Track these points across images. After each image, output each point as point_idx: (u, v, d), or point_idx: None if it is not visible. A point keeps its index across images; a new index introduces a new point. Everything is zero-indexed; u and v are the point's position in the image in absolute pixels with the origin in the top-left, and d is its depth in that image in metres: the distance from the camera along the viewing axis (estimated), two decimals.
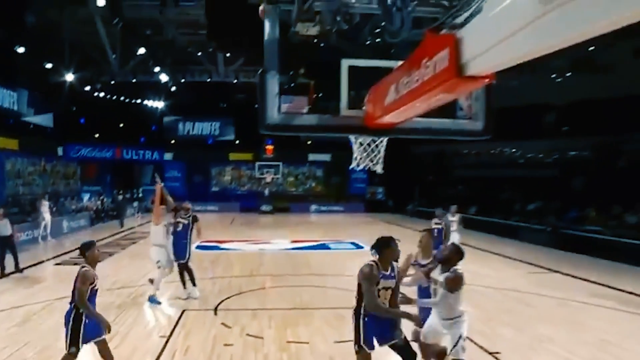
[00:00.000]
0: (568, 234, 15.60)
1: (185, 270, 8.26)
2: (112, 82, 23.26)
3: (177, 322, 6.91)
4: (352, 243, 16.35)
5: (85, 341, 4.36)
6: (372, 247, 4.02)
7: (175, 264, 8.20)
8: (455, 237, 10.56)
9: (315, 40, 4.59)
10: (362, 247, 15.29)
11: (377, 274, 3.87)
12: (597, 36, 1.97)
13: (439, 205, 11.14)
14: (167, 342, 6.12)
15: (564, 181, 22.14)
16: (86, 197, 25.97)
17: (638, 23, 1.82)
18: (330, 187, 34.22)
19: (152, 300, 7.94)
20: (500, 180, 25.12)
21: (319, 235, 18.64)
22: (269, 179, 32.85)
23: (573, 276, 10.78)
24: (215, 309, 7.73)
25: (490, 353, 5.86)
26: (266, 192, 32.03)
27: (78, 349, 4.35)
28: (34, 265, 11.47)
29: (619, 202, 15.91)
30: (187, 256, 8.22)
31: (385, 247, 3.98)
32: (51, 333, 6.36)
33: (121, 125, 30.95)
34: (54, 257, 12.60)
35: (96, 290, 4.44)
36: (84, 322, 4.33)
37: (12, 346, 5.87)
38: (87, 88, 23.33)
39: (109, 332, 4.51)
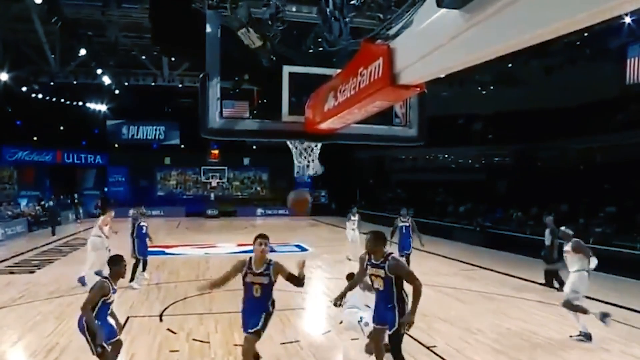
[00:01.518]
0: (494, 233, 16.49)
1: (143, 264, 9.72)
2: (52, 83, 21.72)
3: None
4: (297, 246, 16.31)
5: (105, 341, 4.38)
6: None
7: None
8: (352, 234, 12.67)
9: (260, 47, 4.52)
10: (306, 250, 15.28)
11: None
12: (513, 53, 2.08)
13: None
14: None
15: (490, 185, 23.46)
16: (24, 202, 24.05)
17: (548, 44, 1.96)
18: (276, 190, 34.03)
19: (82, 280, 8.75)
20: (435, 184, 26.15)
21: None
22: (214, 184, 32.13)
23: (498, 272, 11.37)
24: (161, 315, 7.41)
25: (427, 347, 6.02)
26: (212, 196, 31.29)
27: (104, 347, 4.36)
28: None
29: (536, 203, 17.03)
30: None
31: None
32: None
33: (61, 128, 28.98)
34: None
35: (110, 302, 4.47)
36: (96, 324, 4.35)
37: None
38: (24, 89, 21.63)
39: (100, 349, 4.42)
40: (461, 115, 27.44)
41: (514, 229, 16.15)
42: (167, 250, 14.61)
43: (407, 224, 10.49)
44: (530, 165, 23.94)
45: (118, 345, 4.70)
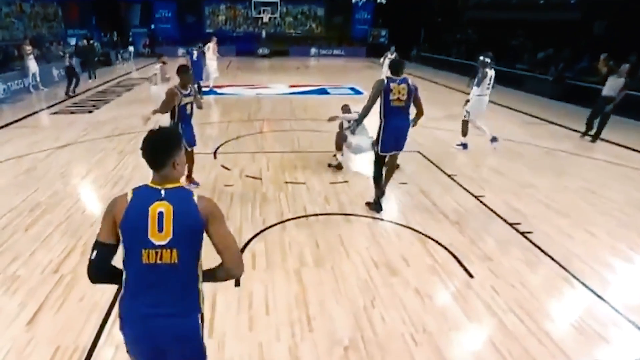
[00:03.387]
0: (573, 84, 15.35)
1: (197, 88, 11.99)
2: None
3: None
4: (351, 88, 16.27)
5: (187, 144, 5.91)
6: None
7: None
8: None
9: None
10: (361, 93, 15.25)
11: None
12: None
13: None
14: None
15: (585, 26, 20.79)
16: (72, 41, 24.57)
17: None
18: (332, 28, 32.53)
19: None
20: (514, 23, 23.65)
21: (317, 80, 18.42)
22: (266, 19, 31.06)
23: (567, 127, 10.98)
24: (215, 153, 8.07)
25: (475, 196, 6.32)
26: (263, 34, 30.58)
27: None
28: (31, 115, 11.40)
29: (637, 50, 15.16)
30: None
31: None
32: (58, 178, 6.77)
33: None
34: (48, 107, 12.45)
35: (184, 105, 5.77)
36: (181, 129, 5.73)
37: (23, 193, 6.16)
38: None
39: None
40: None
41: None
42: (218, 90, 15.13)
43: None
44: None
45: (191, 155, 6.12)
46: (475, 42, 24.50)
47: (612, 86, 9.28)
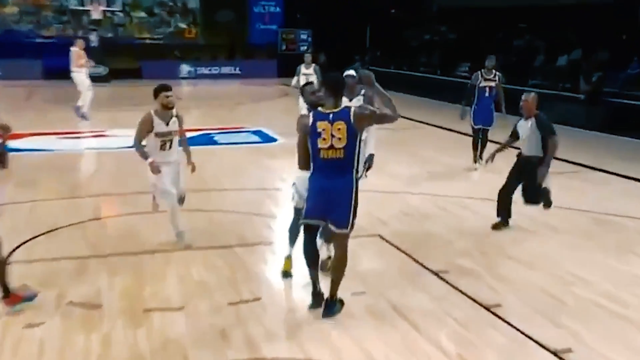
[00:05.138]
0: (622, 104, 16.50)
1: None
2: None
3: None
4: (257, 132, 16.51)
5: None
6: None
7: None
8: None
9: None
10: (274, 140, 15.48)
11: None
12: None
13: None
14: None
15: (623, 13, 22.41)
16: None
17: None
18: (215, 31, 33.26)
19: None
20: (512, 13, 25.35)
21: (196, 120, 18.45)
22: (97, 15, 31.14)
23: (623, 176, 11.67)
24: (6, 259, 7.55)
25: (485, 307, 6.32)
26: (94, 40, 30.45)
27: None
28: None
29: None
30: None
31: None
32: None
33: None
34: None
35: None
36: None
37: None
38: None
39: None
40: None
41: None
42: (11, 144, 14.57)
43: (493, 84, 11.98)
44: None
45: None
46: (451, 45, 25.78)
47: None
